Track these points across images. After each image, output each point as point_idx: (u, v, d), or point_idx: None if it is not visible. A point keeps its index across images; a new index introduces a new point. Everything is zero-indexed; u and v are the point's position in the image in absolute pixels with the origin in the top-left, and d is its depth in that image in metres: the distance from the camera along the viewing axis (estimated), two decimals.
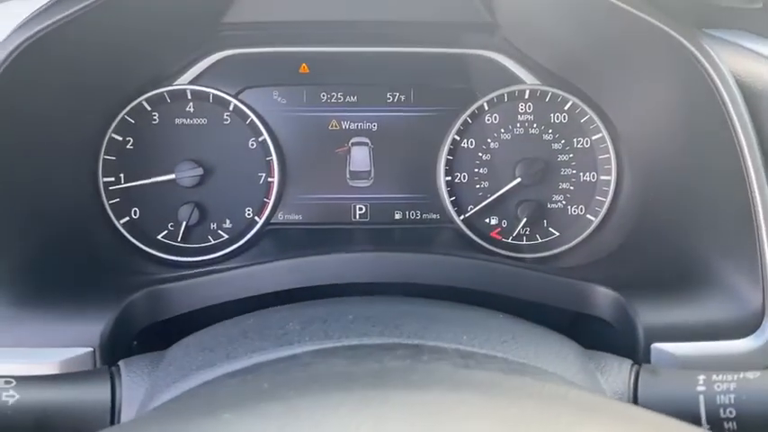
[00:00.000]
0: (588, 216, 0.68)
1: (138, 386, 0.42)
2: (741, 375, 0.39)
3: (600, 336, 0.48)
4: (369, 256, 0.59)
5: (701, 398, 0.38)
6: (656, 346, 0.50)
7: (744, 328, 0.49)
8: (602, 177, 0.68)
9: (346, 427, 0.25)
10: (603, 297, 0.53)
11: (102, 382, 0.42)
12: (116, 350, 0.49)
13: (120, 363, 0.44)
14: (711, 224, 0.55)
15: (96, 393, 0.41)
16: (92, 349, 0.49)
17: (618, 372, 0.42)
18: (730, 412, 0.37)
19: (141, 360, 0.44)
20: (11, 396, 0.39)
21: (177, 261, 0.66)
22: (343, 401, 0.27)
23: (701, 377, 0.41)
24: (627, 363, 0.43)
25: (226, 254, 0.66)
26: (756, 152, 0.50)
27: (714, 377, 0.40)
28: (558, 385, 0.34)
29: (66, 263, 0.58)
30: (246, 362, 0.37)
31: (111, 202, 0.66)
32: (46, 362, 0.46)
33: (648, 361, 0.48)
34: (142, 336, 0.52)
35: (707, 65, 0.50)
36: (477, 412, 0.26)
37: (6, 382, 0.39)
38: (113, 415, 0.40)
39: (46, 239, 0.58)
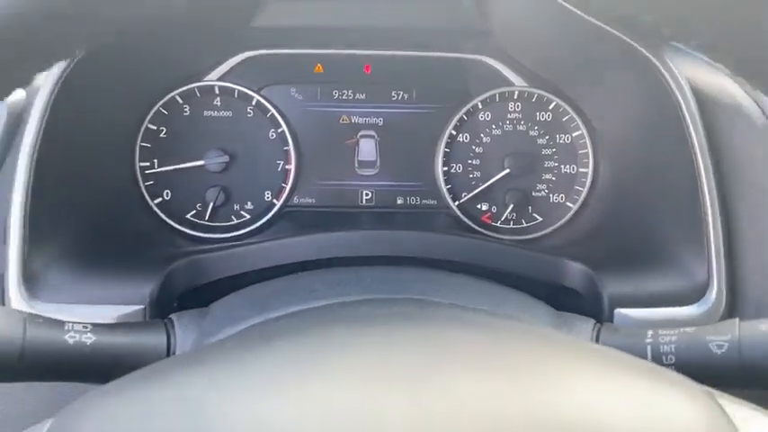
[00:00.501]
0: (568, 203, 0.76)
1: (189, 334, 0.50)
2: (681, 330, 0.48)
3: (570, 304, 0.57)
4: (373, 233, 0.66)
5: (649, 347, 0.46)
6: (619, 310, 0.58)
7: (691, 297, 0.58)
8: (581, 170, 0.76)
9: (372, 347, 0.33)
10: (575, 270, 0.61)
11: (159, 330, 0.50)
12: (162, 309, 0.57)
13: (172, 316, 0.52)
14: (670, 210, 0.63)
15: (155, 339, 0.49)
16: (143, 307, 0.56)
17: (583, 328, 0.51)
18: (671, 359, 0.46)
19: (189, 314, 0.53)
20: (89, 338, 0.47)
21: (205, 237, 0.73)
22: (366, 332, 0.36)
23: (650, 332, 0.49)
24: (591, 321, 0.52)
25: (248, 232, 0.74)
26: (705, 150, 0.59)
27: (660, 332, 0.49)
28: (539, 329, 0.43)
29: (115, 237, 0.66)
30: (283, 311, 0.45)
31: (146, 184, 0.74)
32: (107, 316, 0.54)
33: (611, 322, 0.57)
34: (180, 301, 0.60)
35: (666, 75, 0.58)
36: (472, 338, 0.34)
37: (84, 327, 0.47)
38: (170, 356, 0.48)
39: (97, 218, 0.66)
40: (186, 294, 0.61)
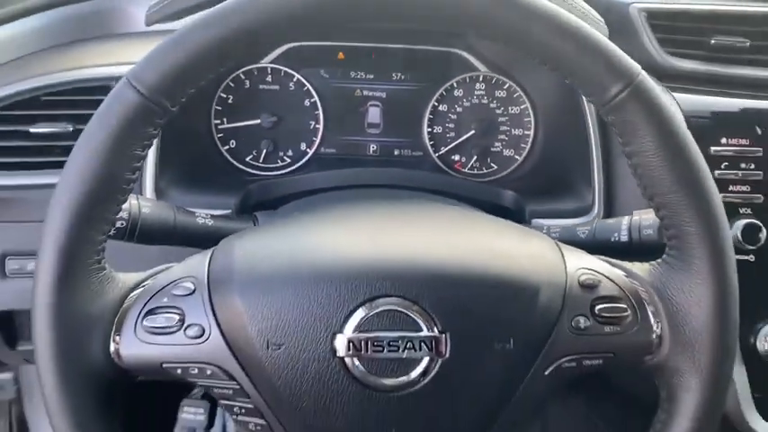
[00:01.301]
0: (516, 156, 1.00)
1: (267, 221, 0.78)
2: (563, 222, 0.78)
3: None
4: (378, 170, 0.92)
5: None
6: (535, 220, 0.81)
7: (582, 212, 0.84)
8: (526, 132, 0.99)
9: (375, 210, 0.63)
10: (509, 196, 0.87)
11: (249, 220, 0.79)
12: (243, 214, 0.86)
13: (255, 213, 0.82)
14: (575, 158, 0.89)
15: (247, 224, 0.76)
16: (230, 211, 0.80)
17: None
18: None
19: (263, 212, 0.82)
20: (210, 221, 0.76)
21: (260, 174, 1.00)
22: (376, 207, 0.66)
23: (546, 226, 0.79)
24: None
25: (289, 171, 0.99)
26: (593, 112, 0.85)
27: (552, 227, 0.79)
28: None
29: (206, 170, 0.92)
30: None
31: (218, 136, 0.98)
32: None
33: None
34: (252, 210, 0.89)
35: None
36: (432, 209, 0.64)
37: (205, 215, 0.77)
38: None
39: (194, 157, 0.92)
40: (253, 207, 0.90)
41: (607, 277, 0.58)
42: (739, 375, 0.80)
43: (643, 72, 0.53)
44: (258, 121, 0.96)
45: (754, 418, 0.81)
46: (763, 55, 0.88)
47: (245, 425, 0.57)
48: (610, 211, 0.83)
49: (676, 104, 0.82)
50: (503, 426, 0.56)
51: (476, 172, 1.01)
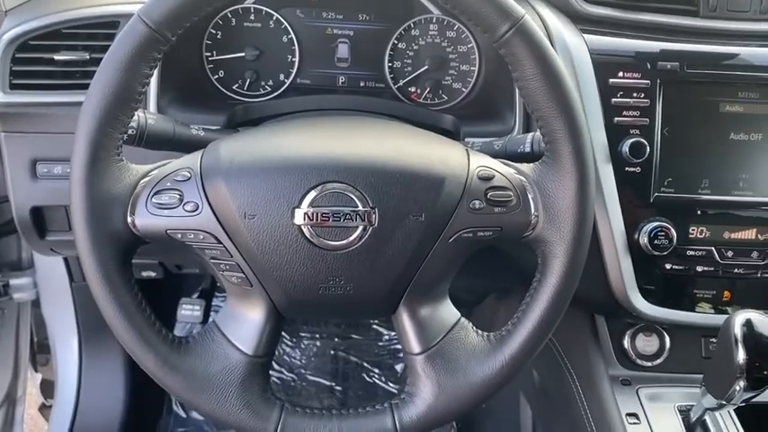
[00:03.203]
0: (462, 89, 1.10)
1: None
2: (487, 140, 0.97)
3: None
4: (346, 97, 1.08)
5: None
6: (468, 139, 0.94)
7: (507, 133, 1.02)
8: (471, 68, 1.08)
9: (331, 123, 0.82)
10: (448, 119, 0.97)
11: (234, 131, 0.98)
12: (229, 129, 1.05)
13: (239, 129, 1.01)
14: (506, 88, 1.04)
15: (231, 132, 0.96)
16: (219, 127, 0.96)
17: None
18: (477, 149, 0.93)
19: (247, 128, 1.00)
20: (201, 132, 0.95)
21: (245, 100, 1.15)
22: (332, 121, 0.85)
23: (472, 142, 0.98)
24: None
25: (269, 98, 1.14)
26: None
27: (476, 142, 0.98)
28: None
29: (199, 94, 1.05)
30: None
31: (209, 66, 1.07)
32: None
33: None
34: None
35: None
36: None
37: (197, 127, 0.95)
38: None
39: (188, 83, 1.06)
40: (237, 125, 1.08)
41: (500, 173, 0.77)
42: (626, 264, 1.01)
43: (527, 15, 0.71)
44: (243, 54, 1.07)
45: (636, 297, 1.02)
46: (664, 3, 1.05)
47: (229, 278, 0.78)
48: (526, 132, 1.01)
49: (585, 45, 1.00)
50: (419, 280, 0.76)
51: (429, 102, 1.12)
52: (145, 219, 0.70)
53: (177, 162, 0.73)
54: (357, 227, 0.68)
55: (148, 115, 0.82)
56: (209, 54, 1.09)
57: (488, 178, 0.71)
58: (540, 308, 0.75)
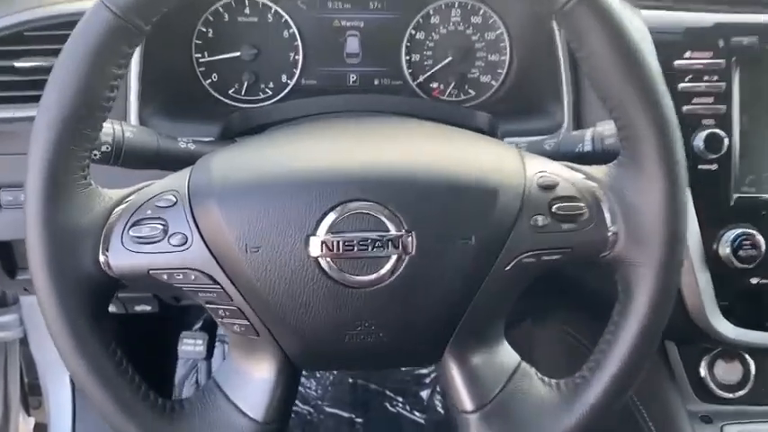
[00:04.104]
0: (492, 82, 1.02)
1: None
2: (534, 139, 0.81)
3: None
4: (355, 96, 0.95)
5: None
6: (507, 139, 0.82)
7: (553, 130, 0.87)
8: (502, 58, 1.01)
9: (347, 126, 0.67)
10: (483, 117, 0.88)
11: (230, 143, 0.83)
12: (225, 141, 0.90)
13: (236, 138, 0.85)
14: (548, 79, 0.91)
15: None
16: (213, 139, 0.85)
17: None
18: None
19: (247, 137, 0.85)
20: (192, 145, 0.79)
21: (242, 106, 1.01)
22: (348, 124, 0.69)
23: (515, 143, 0.83)
24: None
25: (271, 103, 1.01)
26: (562, 35, 0.89)
27: (520, 143, 0.82)
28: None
29: (188, 103, 0.94)
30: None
31: (200, 69, 1.00)
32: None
33: None
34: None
35: None
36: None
37: (186, 140, 0.80)
38: None
39: (176, 90, 0.93)
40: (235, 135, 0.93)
41: (565, 179, 0.61)
42: (703, 279, 0.85)
43: None
44: (238, 53, 0.97)
45: (716, 318, 0.86)
46: None
47: (230, 326, 0.62)
48: (579, 128, 0.86)
49: (642, 22, 0.84)
50: (469, 320, 0.60)
51: (454, 98, 1.01)
52: (121, 257, 0.55)
53: (160, 184, 0.57)
54: (389, 256, 0.55)
55: (126, 128, 0.67)
56: (199, 55, 0.98)
57: (551, 187, 0.56)
58: (624, 348, 0.59)
